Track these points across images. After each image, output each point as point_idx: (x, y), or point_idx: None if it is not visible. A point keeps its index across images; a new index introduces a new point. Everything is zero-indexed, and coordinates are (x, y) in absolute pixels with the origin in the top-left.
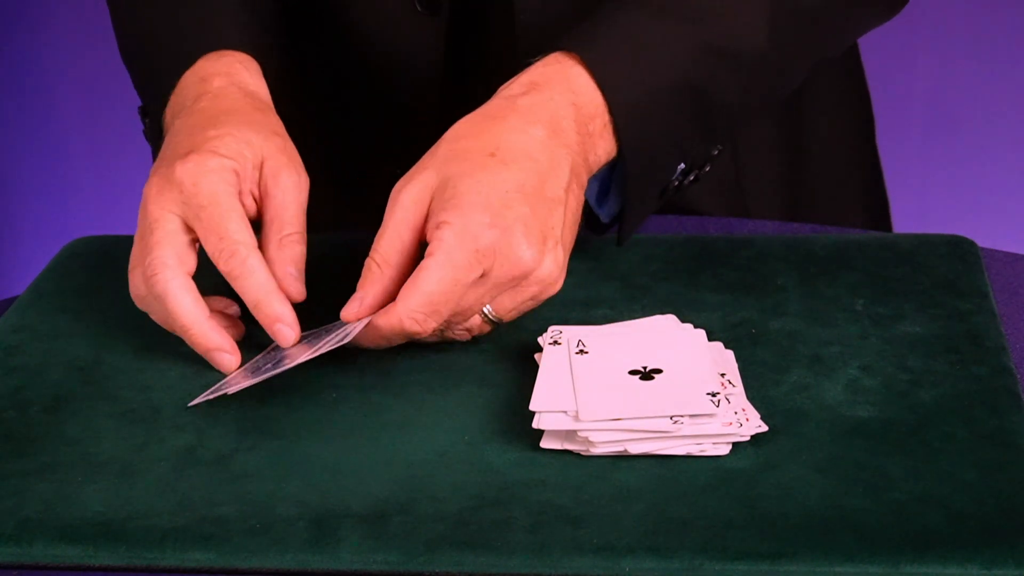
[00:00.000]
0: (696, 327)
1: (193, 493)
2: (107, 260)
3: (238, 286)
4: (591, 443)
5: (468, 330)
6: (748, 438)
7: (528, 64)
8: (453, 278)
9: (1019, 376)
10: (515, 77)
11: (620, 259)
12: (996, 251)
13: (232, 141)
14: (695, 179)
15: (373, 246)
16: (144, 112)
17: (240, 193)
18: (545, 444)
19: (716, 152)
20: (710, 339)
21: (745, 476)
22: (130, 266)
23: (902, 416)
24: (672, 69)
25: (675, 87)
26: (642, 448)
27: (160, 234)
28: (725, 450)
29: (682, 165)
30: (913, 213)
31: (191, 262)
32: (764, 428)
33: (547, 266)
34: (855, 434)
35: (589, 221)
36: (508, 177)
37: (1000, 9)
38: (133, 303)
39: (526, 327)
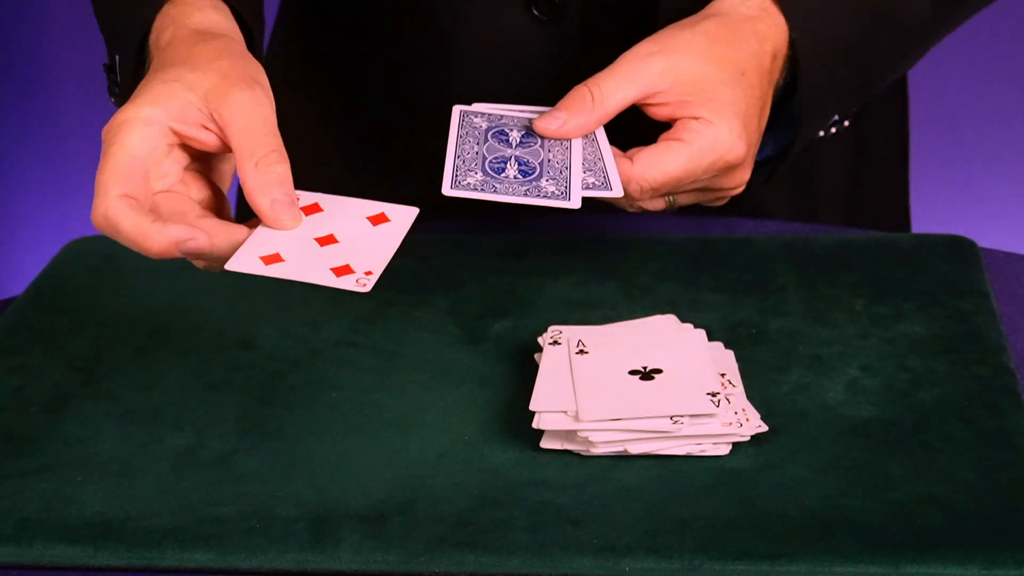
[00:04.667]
0: (696, 327)
1: (193, 493)
2: (107, 260)
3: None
4: (591, 443)
5: (642, 207)
6: (748, 438)
7: None
8: (693, 173)
9: (1019, 376)
10: None
11: (620, 259)
12: (996, 251)
13: (157, 85)
14: (835, 133)
15: (596, 79)
16: (110, 68)
17: (180, 135)
18: (545, 444)
19: (854, 110)
20: (710, 339)
21: (745, 476)
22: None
23: (902, 416)
24: (846, 23)
25: (848, 39)
26: (642, 448)
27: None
28: (725, 450)
29: (836, 116)
30: (914, 213)
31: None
32: (764, 428)
33: (743, 185)
34: (855, 434)
35: None
36: (753, 101)
37: (1000, 9)
38: (133, 303)
39: (526, 327)
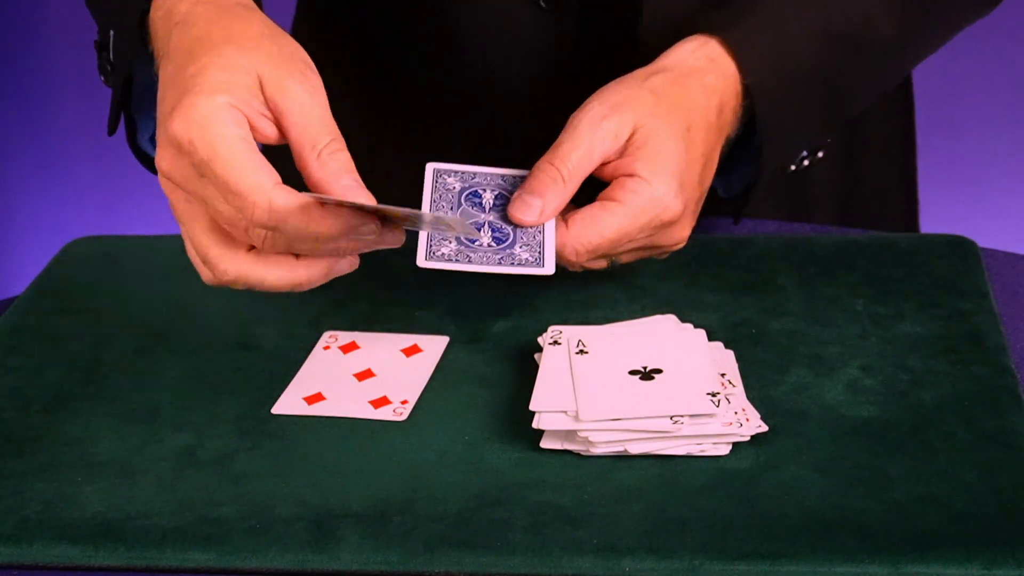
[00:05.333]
0: (696, 327)
1: (193, 493)
2: (107, 260)
3: (273, 242)
4: (591, 443)
5: (583, 267)
6: (748, 438)
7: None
8: (628, 234)
9: (1019, 376)
10: (685, 46)
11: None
12: (996, 251)
13: (215, 71)
14: (809, 164)
15: (559, 155)
16: (101, 46)
17: (249, 123)
18: (545, 444)
19: (829, 140)
20: (710, 339)
21: (745, 476)
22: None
23: (902, 416)
24: (808, 56)
25: (809, 73)
26: (642, 448)
27: (189, 225)
28: (725, 450)
29: (804, 152)
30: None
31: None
32: (764, 428)
33: (684, 241)
34: (855, 434)
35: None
36: (696, 158)
37: (1000, 9)
38: (133, 303)
39: (526, 327)
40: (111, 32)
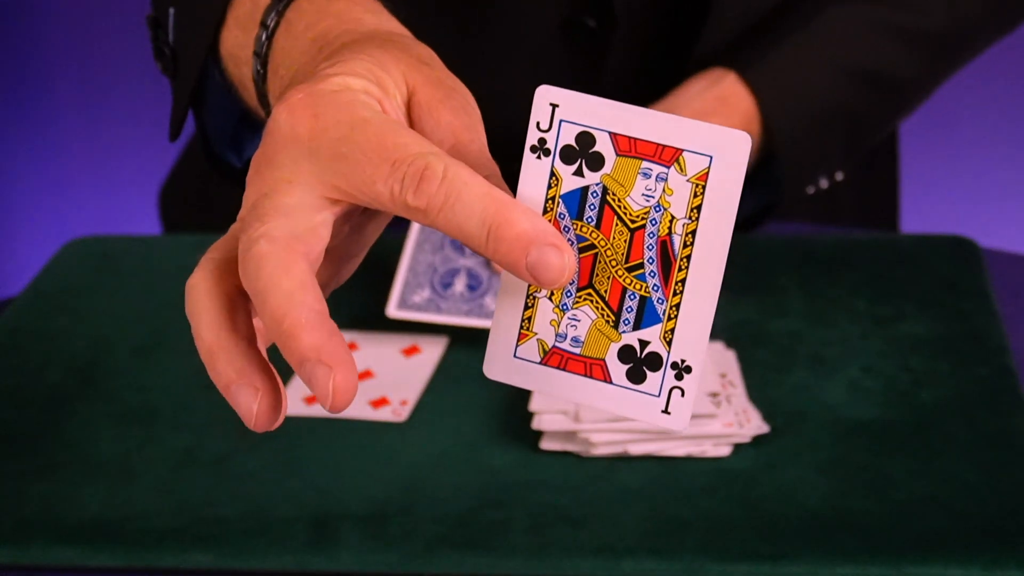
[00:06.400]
0: None
1: (192, 494)
2: (107, 260)
3: (444, 217)
4: (591, 443)
5: None
6: (749, 439)
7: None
8: None
9: (1021, 377)
10: (695, 85)
11: None
12: (998, 251)
13: (368, 62)
14: (828, 188)
15: None
16: (156, 22)
17: None
18: (545, 445)
19: (849, 167)
20: (711, 339)
21: (746, 477)
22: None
23: (904, 417)
24: (829, 93)
25: (831, 110)
26: (642, 449)
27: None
28: (726, 451)
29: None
30: (915, 213)
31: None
32: (765, 429)
33: None
34: (856, 435)
35: None
36: None
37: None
38: (133, 303)
39: None
40: (171, 10)
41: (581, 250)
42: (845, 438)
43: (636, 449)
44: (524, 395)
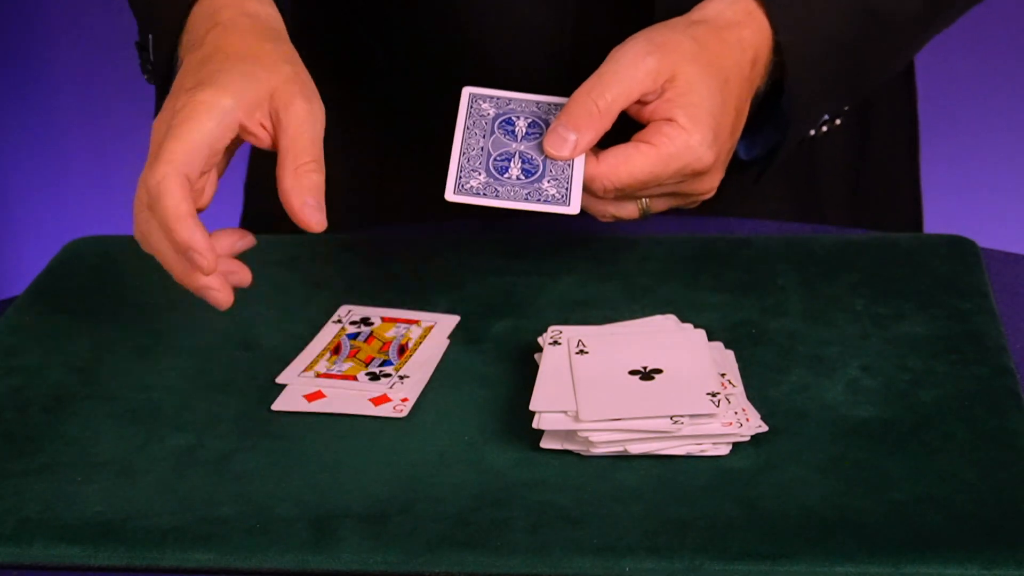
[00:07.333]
0: (696, 327)
1: (193, 493)
2: (107, 260)
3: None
4: (591, 443)
5: (614, 215)
6: (748, 438)
7: None
8: (658, 177)
9: (1020, 376)
10: (719, 2)
11: (620, 259)
12: (996, 251)
13: (235, 75)
14: (827, 131)
15: (598, 87)
16: (141, 47)
17: (241, 127)
18: (545, 444)
19: (846, 108)
20: (710, 339)
21: (745, 476)
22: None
23: (902, 416)
24: (836, 25)
25: (837, 41)
26: (642, 448)
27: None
28: (725, 450)
29: (826, 116)
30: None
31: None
32: (764, 428)
33: (713, 191)
34: (855, 434)
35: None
36: (729, 110)
37: (1002, 8)
38: (133, 303)
39: (526, 327)
40: (150, 36)
41: None
42: (844, 438)
43: (636, 449)
44: (524, 395)
